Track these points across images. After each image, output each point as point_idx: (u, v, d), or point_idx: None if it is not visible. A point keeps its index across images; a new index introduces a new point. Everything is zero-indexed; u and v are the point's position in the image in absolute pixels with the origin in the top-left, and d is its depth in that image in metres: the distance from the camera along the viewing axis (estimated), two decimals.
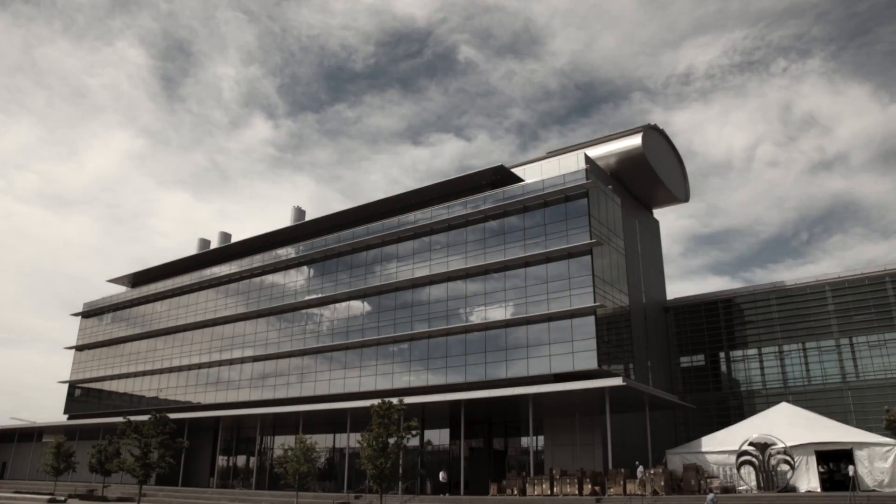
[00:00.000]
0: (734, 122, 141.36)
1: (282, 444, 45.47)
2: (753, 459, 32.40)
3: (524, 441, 43.97)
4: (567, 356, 37.31)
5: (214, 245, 66.14)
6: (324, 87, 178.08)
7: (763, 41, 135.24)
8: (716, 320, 51.16)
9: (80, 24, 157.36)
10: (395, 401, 31.90)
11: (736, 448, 32.96)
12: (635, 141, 47.14)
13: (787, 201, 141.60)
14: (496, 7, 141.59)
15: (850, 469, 30.10)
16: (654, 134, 50.45)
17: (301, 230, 56.09)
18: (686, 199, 55.95)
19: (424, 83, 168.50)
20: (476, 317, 41.65)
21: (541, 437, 41.20)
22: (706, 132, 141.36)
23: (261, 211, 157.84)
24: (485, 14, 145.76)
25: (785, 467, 31.57)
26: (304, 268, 53.29)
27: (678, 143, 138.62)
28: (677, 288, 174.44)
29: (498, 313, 40.74)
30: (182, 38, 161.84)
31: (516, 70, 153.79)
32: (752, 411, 43.30)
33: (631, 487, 31.91)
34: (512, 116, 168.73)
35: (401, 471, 32.10)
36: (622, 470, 32.99)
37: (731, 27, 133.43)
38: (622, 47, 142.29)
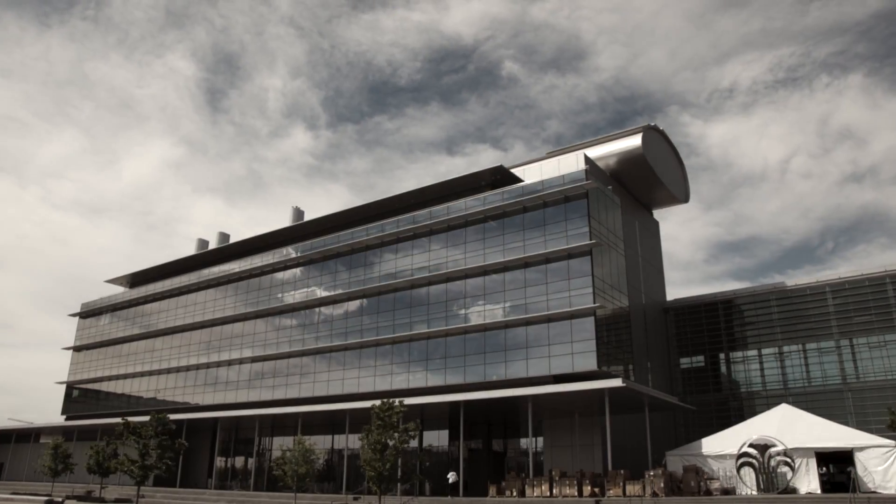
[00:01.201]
0: (772, 134, 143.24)
1: (280, 445, 45.37)
2: (753, 461, 32.25)
3: (523, 442, 43.84)
4: (566, 357, 37.20)
5: (213, 245, 66.02)
6: (366, 99, 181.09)
7: (808, 58, 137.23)
8: (716, 321, 51.04)
9: (133, 37, 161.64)
10: (395, 402, 31.77)
11: (736, 450, 32.80)
12: (635, 141, 47.05)
13: (815, 211, 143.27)
14: (545, 24, 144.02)
15: (851, 471, 30.00)
16: (654, 134, 50.36)
17: (300, 230, 55.97)
18: (686, 199, 55.84)
19: (466, 96, 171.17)
20: (475, 317, 41.52)
21: (540, 439, 41.07)
22: (743, 144, 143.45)
23: (290, 217, 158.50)
24: (532, 31, 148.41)
25: (785, 469, 31.43)
26: (303, 268, 53.15)
27: (713, 154, 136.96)
28: (695, 291, 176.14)
29: (497, 314, 40.63)
30: (232, 52, 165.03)
31: (557, 84, 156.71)
32: (752, 413, 43.13)
33: (631, 489, 31.78)
34: (549, 128, 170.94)
35: (399, 472, 31.98)
36: (622, 471, 32.85)
37: (779, 44, 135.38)
38: (666, 63, 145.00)
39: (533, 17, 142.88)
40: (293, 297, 52.63)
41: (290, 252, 54.00)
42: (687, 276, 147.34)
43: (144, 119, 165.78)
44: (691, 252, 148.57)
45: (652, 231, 54.93)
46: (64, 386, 70.78)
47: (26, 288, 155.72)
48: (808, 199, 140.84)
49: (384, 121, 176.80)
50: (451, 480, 37.12)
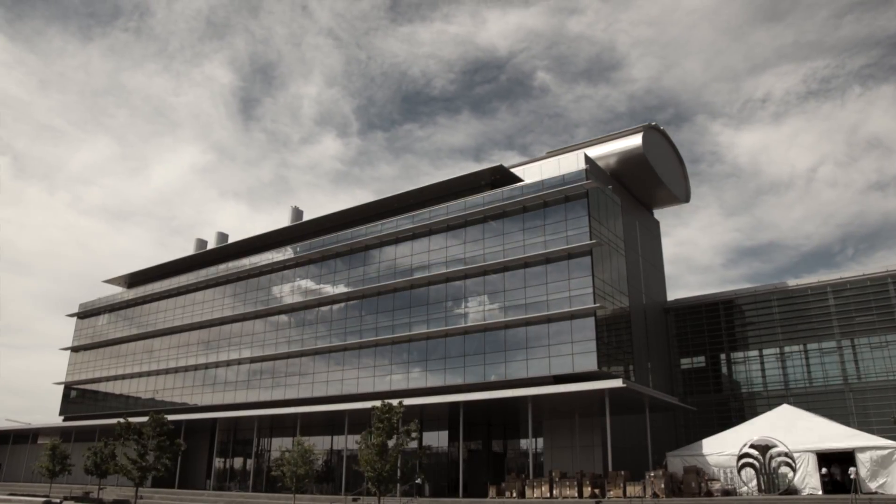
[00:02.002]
0: (801, 143, 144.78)
1: (279, 445, 45.20)
2: (754, 462, 32.13)
3: (523, 443, 43.69)
4: (567, 357, 37.03)
5: (212, 245, 65.82)
6: (398, 108, 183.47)
7: (843, 69, 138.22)
8: (716, 321, 50.88)
9: (172, 47, 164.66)
10: (394, 403, 31.60)
11: (737, 450, 32.68)
12: (635, 141, 46.88)
13: (838, 218, 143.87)
14: (580, 36, 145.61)
15: (852, 471, 29.86)
16: (654, 134, 50.18)
17: (299, 230, 55.78)
18: (687, 199, 55.67)
19: (496, 105, 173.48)
20: (475, 318, 41.34)
21: (540, 439, 40.91)
22: (772, 153, 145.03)
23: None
24: (567, 43, 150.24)
25: (786, 470, 31.30)
26: (302, 268, 52.94)
27: (740, 162, 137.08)
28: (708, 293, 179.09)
29: (497, 314, 40.45)
30: (269, 61, 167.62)
31: (588, 94, 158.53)
32: (753, 413, 42.95)
33: (631, 490, 31.63)
34: (578, 136, 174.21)
35: (399, 473, 31.80)
36: (622, 472, 32.70)
37: (814, 56, 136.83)
38: (700, 74, 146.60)
39: (569, 29, 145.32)
40: (292, 296, 52.43)
41: (289, 252, 53.81)
42: (704, 280, 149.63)
43: (177, 126, 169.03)
44: (710, 256, 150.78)
45: (652, 231, 54.77)
46: (62, 387, 70.54)
47: (47, 291, 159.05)
48: (832, 206, 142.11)
49: (415, 129, 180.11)
50: (417, 481, 37.02)
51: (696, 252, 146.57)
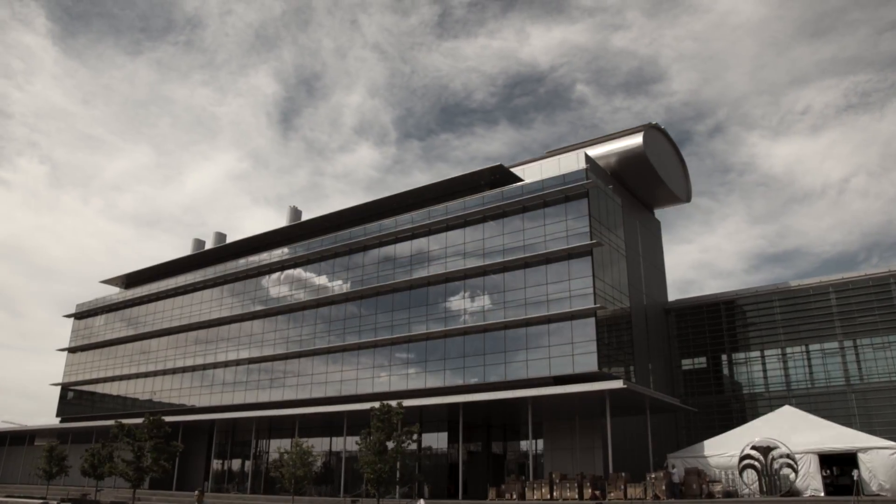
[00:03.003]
0: (836, 154, 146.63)
1: (278, 447, 44.74)
2: (756, 463, 31.95)
3: (523, 444, 43.45)
4: (567, 358, 36.76)
5: (209, 245, 65.52)
6: (436, 119, 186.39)
7: (885, 82, 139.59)
8: (718, 322, 50.62)
9: (219, 59, 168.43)
10: (394, 404, 31.35)
11: (738, 452, 32.52)
12: (636, 140, 46.65)
13: (865, 227, 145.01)
14: (624, 51, 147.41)
15: (854, 473, 29.68)
16: (655, 133, 49.96)
17: (297, 230, 55.51)
18: (688, 199, 55.43)
19: (533, 116, 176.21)
20: (474, 318, 41.07)
21: (540, 441, 40.65)
22: (807, 163, 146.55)
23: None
24: (609, 57, 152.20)
25: (788, 471, 31.14)
26: (301, 268, 52.67)
27: (775, 172, 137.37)
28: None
29: (497, 315, 40.18)
30: (314, 73, 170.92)
31: (626, 106, 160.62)
32: (755, 414, 42.75)
33: (632, 492, 31.40)
34: None
35: (398, 475, 31.54)
36: (623, 474, 32.48)
37: (857, 71, 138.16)
38: (741, 87, 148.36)
39: (613, 44, 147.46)
40: (290, 297, 52.14)
41: (288, 252, 53.51)
42: (725, 284, 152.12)
43: (216, 135, 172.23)
44: (733, 262, 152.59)
45: (653, 231, 54.54)
46: (59, 388, 70.21)
47: (75, 296, 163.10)
48: (861, 216, 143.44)
49: (451, 139, 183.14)
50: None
51: (721, 258, 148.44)
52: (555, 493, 32.77)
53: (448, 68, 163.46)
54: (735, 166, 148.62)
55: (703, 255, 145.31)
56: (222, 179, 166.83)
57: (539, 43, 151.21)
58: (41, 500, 45.10)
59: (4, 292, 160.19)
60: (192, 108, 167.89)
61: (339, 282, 49.40)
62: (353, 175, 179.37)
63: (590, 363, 35.83)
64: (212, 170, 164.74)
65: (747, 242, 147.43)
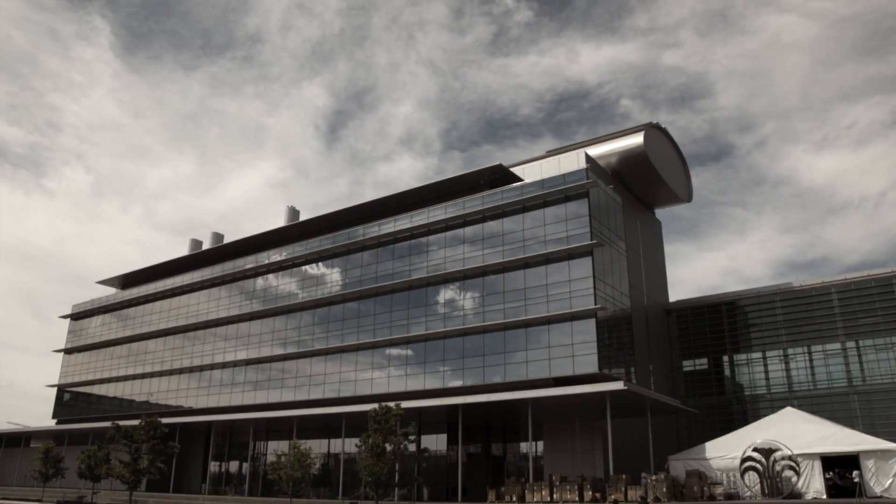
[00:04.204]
0: (877, 168, 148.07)
1: (275, 449, 44.46)
2: (758, 465, 31.72)
3: (523, 446, 43.15)
4: (567, 359, 36.48)
5: (207, 246, 65.18)
6: (480, 131, 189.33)
7: None
8: (719, 323, 50.36)
9: (273, 73, 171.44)
10: (392, 405, 31.05)
11: (740, 454, 32.28)
12: (637, 140, 46.40)
13: (895, 237, 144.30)
14: (674, 68, 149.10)
15: (856, 475, 29.46)
16: (656, 133, 49.71)
17: (295, 230, 55.18)
18: (689, 199, 55.17)
19: (576, 129, 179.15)
20: (474, 319, 40.77)
21: (540, 443, 40.33)
22: (847, 177, 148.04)
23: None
24: (657, 73, 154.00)
25: (790, 473, 30.91)
26: (299, 269, 52.32)
27: (815, 184, 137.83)
28: None
29: (496, 315, 39.88)
30: (366, 86, 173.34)
31: (670, 120, 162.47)
32: (756, 416, 42.51)
33: (632, 494, 31.11)
34: None
35: (397, 477, 31.24)
36: (623, 476, 32.19)
37: None
38: (788, 102, 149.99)
39: (663, 62, 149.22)
40: (288, 297, 51.81)
41: (285, 253, 53.18)
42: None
43: (261, 144, 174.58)
44: (760, 269, 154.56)
45: (654, 231, 54.28)
46: (55, 389, 69.82)
47: None
48: (893, 227, 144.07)
49: (494, 150, 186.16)
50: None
51: (748, 264, 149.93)
52: (555, 496, 32.46)
53: (497, 84, 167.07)
54: (774, 178, 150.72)
55: (730, 261, 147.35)
56: (261, 187, 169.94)
57: (588, 61, 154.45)
58: (37, 503, 44.74)
59: (36, 298, 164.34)
60: (241, 119, 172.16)
61: (338, 282, 49.08)
62: (392, 184, 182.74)
63: (590, 364, 35.55)
64: (252, 178, 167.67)
65: (776, 251, 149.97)
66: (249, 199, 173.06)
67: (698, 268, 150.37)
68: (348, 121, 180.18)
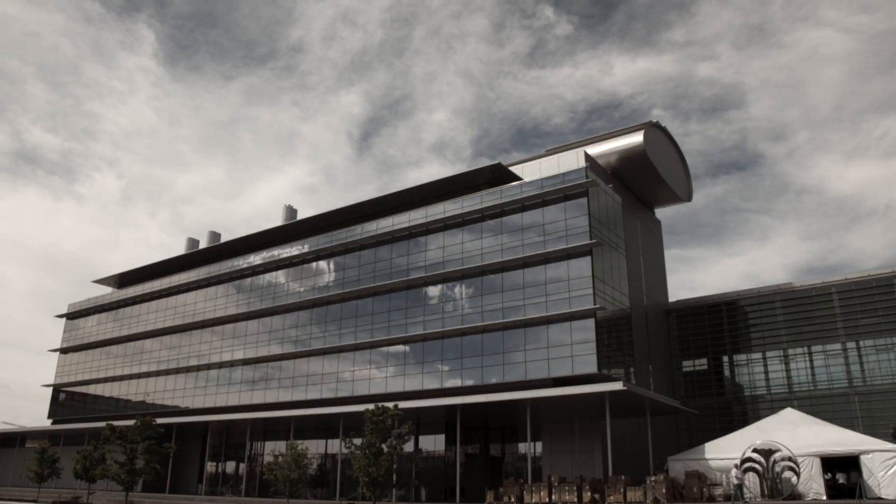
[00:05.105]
0: None
1: (272, 449, 44.23)
2: (757, 466, 31.59)
3: (522, 447, 42.86)
4: (566, 360, 36.25)
5: (203, 245, 64.84)
6: (510, 139, 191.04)
7: None
8: (719, 323, 50.15)
9: (311, 82, 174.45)
10: (390, 405, 30.77)
11: (739, 455, 32.10)
12: (637, 138, 46.19)
13: None
14: (708, 80, 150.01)
15: (857, 476, 29.31)
16: (656, 131, 49.51)
17: (293, 229, 54.86)
18: (689, 198, 54.96)
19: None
20: (472, 319, 40.51)
21: (539, 443, 40.09)
22: (875, 186, 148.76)
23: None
24: (691, 85, 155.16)
25: (790, 474, 30.79)
26: (296, 268, 52.01)
27: (844, 193, 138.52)
28: None
29: (495, 315, 39.64)
30: (402, 95, 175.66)
31: (700, 130, 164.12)
32: (756, 417, 42.35)
33: (632, 495, 30.89)
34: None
35: (395, 478, 30.97)
36: (622, 477, 31.98)
37: None
38: (820, 113, 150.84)
39: (697, 73, 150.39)
40: (286, 297, 51.50)
41: (283, 251, 52.87)
42: None
43: (293, 151, 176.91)
44: (777, 274, 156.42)
45: (654, 230, 54.09)
46: (50, 389, 69.42)
47: None
48: None
49: (520, 156, 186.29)
50: None
51: (767, 270, 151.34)
52: (554, 497, 32.25)
53: (531, 95, 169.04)
54: (800, 187, 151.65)
55: (749, 266, 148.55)
56: (288, 192, 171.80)
57: (622, 73, 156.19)
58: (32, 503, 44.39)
59: (56, 300, 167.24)
60: (275, 125, 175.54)
61: (336, 281, 48.78)
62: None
63: (589, 364, 35.33)
64: (280, 183, 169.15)
65: (794, 256, 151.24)
66: (275, 203, 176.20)
67: (717, 272, 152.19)
68: (381, 128, 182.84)
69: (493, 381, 38.42)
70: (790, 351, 46.90)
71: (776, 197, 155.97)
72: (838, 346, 45.07)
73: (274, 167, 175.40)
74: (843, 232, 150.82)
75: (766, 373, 47.58)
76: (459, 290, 41.95)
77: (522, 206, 40.65)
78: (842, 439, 31.48)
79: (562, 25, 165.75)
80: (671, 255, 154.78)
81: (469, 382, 39.34)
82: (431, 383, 40.94)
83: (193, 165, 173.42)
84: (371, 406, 30.75)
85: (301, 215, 57.43)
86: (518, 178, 43.28)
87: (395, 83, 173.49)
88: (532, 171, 43.40)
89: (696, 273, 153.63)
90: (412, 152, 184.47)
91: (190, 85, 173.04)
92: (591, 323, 36.11)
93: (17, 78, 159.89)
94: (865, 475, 29.41)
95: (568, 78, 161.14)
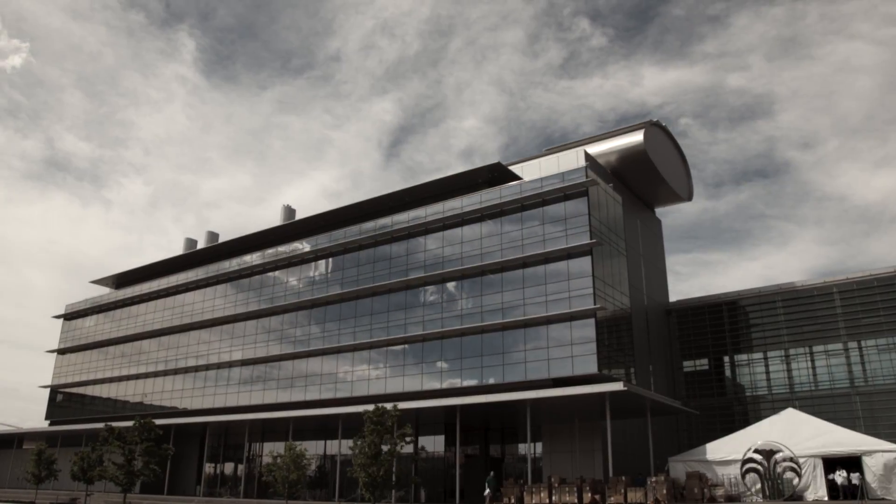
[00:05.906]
0: None
1: (271, 450, 44.03)
2: (759, 467, 31.46)
3: (522, 448, 42.64)
4: (566, 360, 36.07)
5: (202, 245, 64.63)
6: (538, 147, 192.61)
7: None
8: (720, 323, 49.96)
9: (344, 91, 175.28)
10: (388, 406, 30.58)
11: (740, 455, 32.00)
12: (637, 137, 46.03)
13: None
14: (738, 90, 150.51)
15: (857, 476, 29.16)
16: (656, 130, 49.36)
17: (291, 230, 54.67)
18: (689, 197, 54.79)
19: None
20: (472, 319, 40.32)
21: (539, 444, 39.90)
22: None
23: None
24: (721, 94, 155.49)
25: (791, 475, 30.66)
26: (295, 268, 51.80)
27: (868, 201, 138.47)
28: None
29: (495, 315, 39.45)
30: (434, 103, 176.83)
31: (727, 138, 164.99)
32: (758, 417, 42.16)
33: (632, 496, 30.72)
34: (706, 169, 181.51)
35: (394, 479, 30.78)
36: (623, 478, 31.81)
37: None
38: (851, 122, 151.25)
39: (728, 83, 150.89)
40: (284, 297, 51.29)
41: (282, 251, 52.67)
42: None
43: (321, 157, 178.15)
44: (793, 277, 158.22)
45: (654, 230, 53.92)
46: (48, 390, 69.16)
47: None
48: None
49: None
50: None
51: (783, 274, 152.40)
52: (554, 498, 32.07)
53: (561, 105, 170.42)
54: (823, 194, 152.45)
55: (766, 270, 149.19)
56: (313, 197, 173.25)
57: (653, 84, 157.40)
58: None
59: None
60: (305, 132, 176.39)
61: (335, 282, 48.58)
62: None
63: (589, 365, 35.16)
64: (306, 188, 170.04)
65: (811, 261, 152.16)
66: (300, 209, 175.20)
67: (734, 276, 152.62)
68: (410, 136, 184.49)
69: (493, 381, 38.23)
70: (791, 351, 46.71)
71: (800, 204, 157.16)
72: (840, 345, 44.89)
73: (300, 172, 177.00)
74: (864, 238, 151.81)
75: (768, 373, 47.39)
76: (459, 289, 41.76)
77: (522, 205, 40.46)
78: (843, 440, 31.32)
79: (597, 38, 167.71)
80: (690, 260, 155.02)
81: (469, 383, 39.16)
82: (431, 384, 40.75)
83: (222, 171, 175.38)
84: (370, 407, 30.59)
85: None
86: (517, 178, 43.10)
87: (428, 92, 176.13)
88: (532, 171, 43.22)
89: (716, 277, 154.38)
90: (440, 158, 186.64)
91: (225, 93, 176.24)
92: (591, 323, 35.94)
93: (56, 87, 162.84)
94: (867, 476, 29.26)
95: (598, 88, 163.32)
